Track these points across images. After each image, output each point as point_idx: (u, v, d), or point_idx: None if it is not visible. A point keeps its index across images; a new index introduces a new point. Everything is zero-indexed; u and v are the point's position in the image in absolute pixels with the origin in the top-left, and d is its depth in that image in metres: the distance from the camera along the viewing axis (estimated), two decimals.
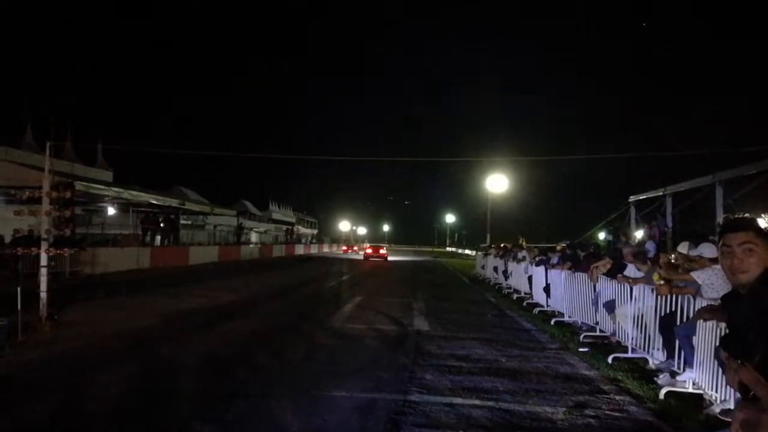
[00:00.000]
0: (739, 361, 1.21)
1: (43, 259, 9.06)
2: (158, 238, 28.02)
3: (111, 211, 28.09)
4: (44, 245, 9.02)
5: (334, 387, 5.72)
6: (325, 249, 71.85)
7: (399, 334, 9.22)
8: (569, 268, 10.96)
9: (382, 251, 45.04)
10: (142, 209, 27.87)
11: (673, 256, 7.33)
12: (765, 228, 2.14)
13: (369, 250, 46.54)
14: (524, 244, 21.43)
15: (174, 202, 28.04)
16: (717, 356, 4.82)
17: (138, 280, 18.21)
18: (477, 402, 5.35)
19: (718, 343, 4.80)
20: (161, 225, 28.27)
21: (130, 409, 4.97)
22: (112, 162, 36.11)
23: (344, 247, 73.34)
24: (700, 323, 5.50)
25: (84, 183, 19.16)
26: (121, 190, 22.65)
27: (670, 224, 18.53)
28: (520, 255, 17.38)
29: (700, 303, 5.80)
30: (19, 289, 7.87)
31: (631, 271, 8.35)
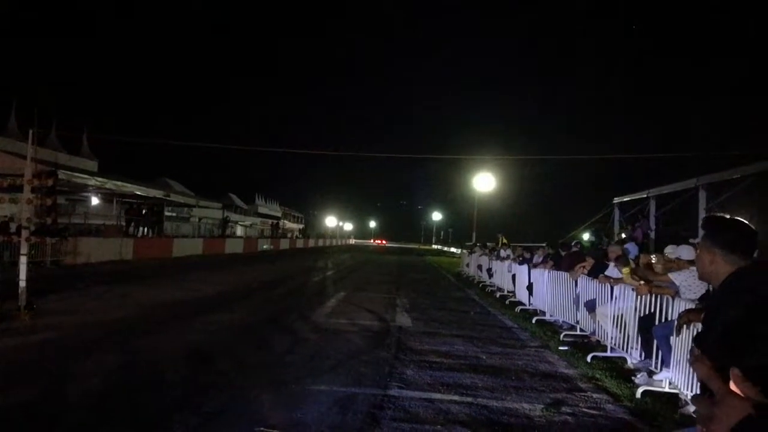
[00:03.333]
0: (696, 354, 1.24)
1: (23, 248, 8.96)
2: (142, 229, 27.81)
3: (95, 201, 27.85)
4: (25, 233, 8.92)
5: (314, 381, 5.73)
6: (311, 243, 71.57)
7: (381, 329, 9.23)
8: (552, 267, 11.05)
9: (384, 242, 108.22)
10: (127, 200, 27.63)
11: (653, 257, 7.41)
12: (722, 227, 2.20)
13: (379, 241, 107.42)
14: (503, 240, 21.54)
15: (159, 194, 27.81)
16: (691, 355, 4.90)
17: (120, 271, 18.07)
18: (456, 398, 5.38)
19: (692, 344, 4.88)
20: (146, 216, 28.04)
21: (109, 399, 4.94)
22: (98, 152, 35.88)
23: (372, 240, 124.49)
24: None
25: (67, 172, 18.97)
26: (105, 180, 22.43)
27: (653, 226, 18.74)
28: (503, 253, 17.48)
29: (679, 304, 5.87)
30: None
31: (612, 271, 8.43)
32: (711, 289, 4.46)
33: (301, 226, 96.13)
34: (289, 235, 71.72)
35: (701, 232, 2.38)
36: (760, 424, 1.00)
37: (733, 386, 1.06)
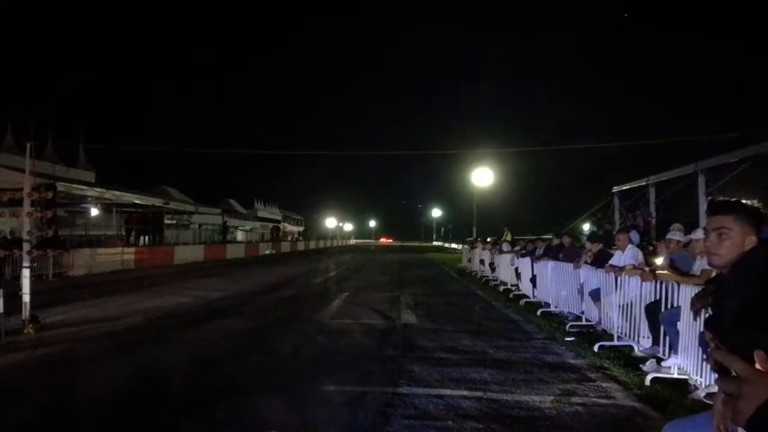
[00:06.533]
0: (713, 345, 1.24)
1: (26, 261, 8.94)
2: (143, 238, 27.80)
3: (94, 211, 27.81)
4: (26, 246, 8.91)
5: (323, 382, 5.71)
6: (312, 245, 71.43)
7: (387, 327, 9.22)
8: (553, 258, 11.06)
9: (389, 240, 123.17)
10: (126, 209, 27.62)
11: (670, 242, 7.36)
12: (750, 208, 2.19)
13: (383, 240, 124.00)
14: (509, 236, 21.44)
15: (158, 202, 27.83)
16: (701, 340, 4.88)
17: (122, 280, 18.05)
18: (465, 393, 5.37)
19: (702, 329, 4.86)
20: (146, 225, 28.03)
21: (117, 409, 4.93)
22: (95, 162, 35.94)
23: (377, 239, 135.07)
24: (685, 309, 5.56)
25: (66, 184, 18.96)
26: (104, 190, 22.46)
27: (653, 213, 18.72)
28: (505, 247, 17.47)
29: (684, 290, 5.85)
30: (0, 291, 7.78)
31: (616, 260, 8.42)
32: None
33: (301, 229, 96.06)
34: (289, 237, 71.71)
35: (703, 218, 2.37)
36: None
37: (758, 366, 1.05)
